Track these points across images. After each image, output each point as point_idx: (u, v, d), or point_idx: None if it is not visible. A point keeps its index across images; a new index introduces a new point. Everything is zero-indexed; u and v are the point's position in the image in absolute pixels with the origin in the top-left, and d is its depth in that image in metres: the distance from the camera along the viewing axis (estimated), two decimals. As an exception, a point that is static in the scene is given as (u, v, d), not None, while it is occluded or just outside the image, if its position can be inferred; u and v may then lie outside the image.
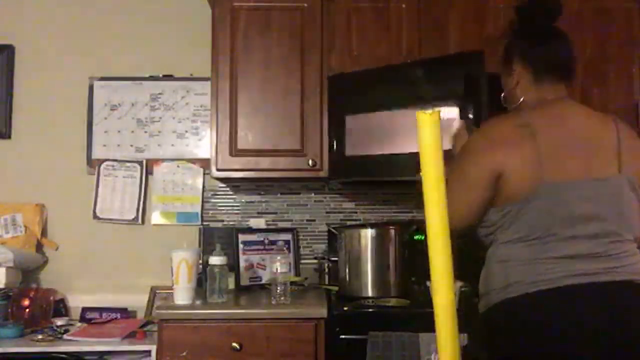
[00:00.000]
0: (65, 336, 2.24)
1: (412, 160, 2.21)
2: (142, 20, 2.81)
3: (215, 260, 2.18)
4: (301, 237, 2.76)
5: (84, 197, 2.73)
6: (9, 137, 2.75)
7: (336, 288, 2.42)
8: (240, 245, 2.60)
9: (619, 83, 2.43)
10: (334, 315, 2.05)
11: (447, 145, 1.77)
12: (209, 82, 2.49)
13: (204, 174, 2.74)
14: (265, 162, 2.41)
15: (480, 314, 1.46)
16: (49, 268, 2.71)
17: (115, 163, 2.73)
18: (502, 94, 1.62)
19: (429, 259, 0.70)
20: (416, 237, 2.48)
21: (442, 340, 0.69)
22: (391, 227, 2.34)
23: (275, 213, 2.78)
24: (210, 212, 2.76)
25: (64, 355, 2.14)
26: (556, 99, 1.49)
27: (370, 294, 2.27)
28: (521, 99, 1.54)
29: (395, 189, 2.76)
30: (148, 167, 2.74)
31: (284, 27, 2.43)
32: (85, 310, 2.57)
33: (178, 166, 2.75)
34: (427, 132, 0.68)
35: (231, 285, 2.44)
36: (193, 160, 2.75)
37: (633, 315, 1.29)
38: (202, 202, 2.75)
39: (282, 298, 2.13)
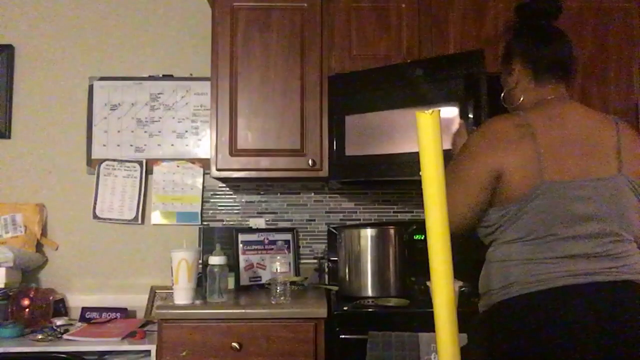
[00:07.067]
0: (65, 336, 2.24)
1: (412, 160, 2.22)
2: (142, 20, 2.81)
3: (215, 260, 2.18)
4: (301, 237, 2.76)
5: (84, 197, 2.73)
6: (9, 137, 2.75)
7: (336, 288, 2.42)
8: (240, 245, 2.61)
9: (619, 83, 2.43)
10: (334, 315, 2.05)
11: (447, 145, 1.77)
12: (208, 82, 2.49)
13: (204, 173, 2.74)
14: (265, 162, 2.41)
15: (480, 313, 1.46)
16: (49, 268, 2.72)
17: (115, 163, 2.73)
18: (502, 94, 1.62)
19: (429, 259, 0.70)
20: (416, 237, 2.48)
21: (442, 340, 0.69)
22: (391, 227, 2.34)
23: (275, 213, 2.78)
24: (210, 212, 2.76)
25: (63, 355, 2.14)
26: (556, 99, 1.49)
27: (370, 293, 2.28)
28: (521, 99, 1.54)
29: (395, 189, 2.76)
30: (148, 167, 2.74)
31: (284, 27, 2.43)
32: (85, 310, 2.57)
33: (178, 166, 2.75)
34: (427, 132, 0.68)
35: (231, 285, 2.44)
36: (193, 160, 2.76)
37: (633, 315, 1.29)
38: (202, 202, 2.75)
39: (282, 298, 2.13)
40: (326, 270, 2.65)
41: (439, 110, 0.68)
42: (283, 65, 2.42)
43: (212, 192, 2.77)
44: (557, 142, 1.37)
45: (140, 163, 2.74)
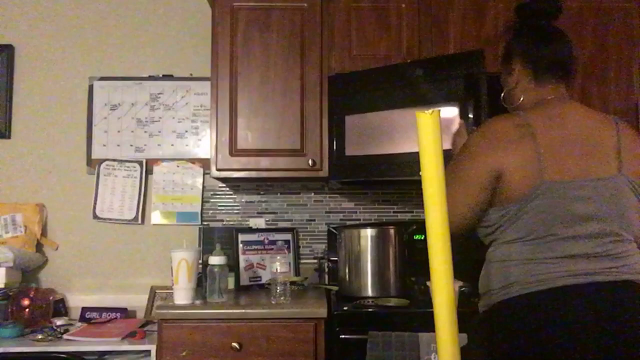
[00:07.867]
0: (65, 336, 2.24)
1: (412, 160, 2.22)
2: (142, 20, 2.81)
3: (215, 260, 2.18)
4: (301, 237, 2.76)
5: (84, 197, 2.73)
6: (9, 137, 2.75)
7: (336, 288, 2.42)
8: (240, 245, 2.60)
9: (619, 83, 2.43)
10: (334, 315, 2.05)
11: (447, 145, 1.77)
12: (208, 82, 2.50)
13: (204, 173, 2.74)
14: (265, 162, 2.41)
15: (480, 313, 1.46)
16: (49, 268, 2.72)
17: (115, 163, 2.73)
18: (502, 94, 1.62)
19: (429, 259, 0.70)
20: (416, 237, 2.48)
21: (442, 340, 0.69)
22: (391, 227, 2.34)
23: (275, 213, 2.78)
24: (210, 211, 2.76)
25: (63, 355, 2.14)
26: (556, 99, 1.49)
27: (370, 293, 2.28)
28: (521, 99, 1.54)
29: (395, 189, 2.76)
30: (148, 167, 2.74)
31: (284, 27, 2.43)
32: (85, 310, 2.57)
33: (178, 166, 2.75)
34: (427, 132, 0.68)
35: (231, 285, 2.44)
36: (193, 160, 2.76)
37: (633, 315, 1.29)
38: (202, 202, 2.75)
39: (282, 298, 2.13)
40: (326, 270, 2.65)
41: (439, 110, 0.68)
42: (283, 65, 2.42)
43: (212, 192, 2.77)
44: (557, 142, 1.37)
45: (140, 163, 2.74)
